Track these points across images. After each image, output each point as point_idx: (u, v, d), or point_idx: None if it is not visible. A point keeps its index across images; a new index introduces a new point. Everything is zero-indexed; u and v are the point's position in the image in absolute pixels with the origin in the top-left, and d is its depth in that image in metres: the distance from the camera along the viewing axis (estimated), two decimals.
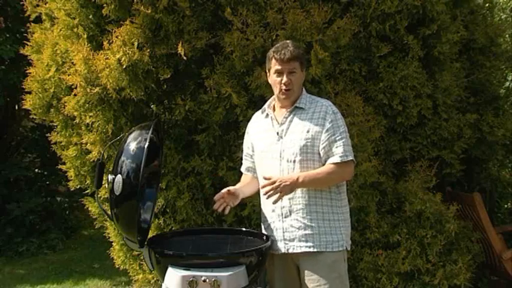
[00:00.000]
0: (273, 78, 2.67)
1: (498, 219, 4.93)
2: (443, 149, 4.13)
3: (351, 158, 2.61)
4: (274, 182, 2.49)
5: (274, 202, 2.55)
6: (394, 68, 3.84)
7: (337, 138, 2.59)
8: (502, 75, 4.88)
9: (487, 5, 4.83)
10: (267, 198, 2.54)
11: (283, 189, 2.49)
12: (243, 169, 2.93)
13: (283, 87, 2.63)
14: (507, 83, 5.13)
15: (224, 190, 2.69)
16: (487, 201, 4.53)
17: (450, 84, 4.06)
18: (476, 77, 4.42)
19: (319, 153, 2.60)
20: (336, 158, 2.57)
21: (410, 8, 3.79)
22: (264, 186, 2.52)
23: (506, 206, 5.34)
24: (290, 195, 2.60)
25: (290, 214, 2.62)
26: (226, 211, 2.67)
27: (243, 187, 2.83)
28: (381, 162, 3.82)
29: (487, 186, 4.65)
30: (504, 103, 4.67)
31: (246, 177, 2.91)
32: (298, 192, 2.60)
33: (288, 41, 2.74)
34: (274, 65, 2.65)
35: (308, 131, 2.60)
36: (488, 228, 4.11)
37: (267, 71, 2.74)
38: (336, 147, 2.58)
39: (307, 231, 2.60)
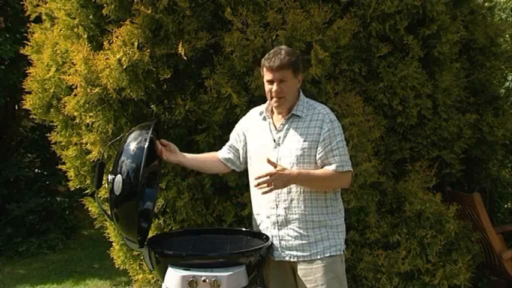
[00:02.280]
0: (265, 86, 2.66)
1: (498, 219, 4.93)
2: (443, 149, 4.13)
3: (347, 169, 2.59)
4: (272, 175, 2.47)
5: (263, 193, 2.52)
6: (394, 68, 3.84)
7: (333, 148, 2.57)
8: (502, 75, 4.88)
9: (486, 4, 4.83)
10: (258, 187, 2.51)
11: (277, 183, 2.48)
12: (221, 156, 2.88)
13: (274, 95, 2.60)
14: (507, 83, 5.14)
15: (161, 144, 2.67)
16: (487, 201, 4.53)
17: (450, 84, 4.06)
18: (476, 77, 4.42)
19: (315, 163, 2.58)
20: (332, 167, 2.56)
21: (410, 8, 3.79)
22: (259, 177, 2.49)
23: (506, 206, 5.34)
24: (286, 205, 2.59)
25: (286, 223, 2.61)
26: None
27: (197, 158, 2.84)
28: (380, 162, 3.82)
29: (487, 186, 4.65)
30: (504, 103, 4.66)
31: (213, 157, 2.88)
32: (294, 202, 2.59)
33: (282, 47, 2.68)
34: (265, 74, 2.63)
35: (305, 141, 2.58)
36: (488, 228, 4.11)
37: (263, 76, 2.72)
38: (333, 156, 2.56)
39: (303, 241, 2.59)
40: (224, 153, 2.90)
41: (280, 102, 2.62)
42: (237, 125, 2.91)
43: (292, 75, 2.60)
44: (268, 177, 2.47)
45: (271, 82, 2.60)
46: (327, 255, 2.59)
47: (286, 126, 2.65)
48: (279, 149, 2.63)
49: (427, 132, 4.05)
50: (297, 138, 2.60)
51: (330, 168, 2.56)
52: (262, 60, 2.66)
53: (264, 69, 2.63)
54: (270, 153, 2.63)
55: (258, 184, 2.50)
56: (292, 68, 2.59)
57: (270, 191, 2.51)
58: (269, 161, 2.51)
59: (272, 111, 2.74)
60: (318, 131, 2.58)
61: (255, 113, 2.84)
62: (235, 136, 2.87)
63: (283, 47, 2.71)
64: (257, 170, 2.68)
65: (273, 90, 2.59)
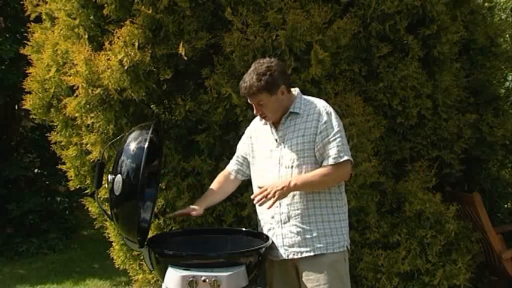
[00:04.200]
0: None
1: (498, 219, 4.92)
2: (443, 149, 4.13)
3: (346, 158, 2.57)
4: (265, 190, 2.53)
5: (269, 207, 2.56)
6: (394, 68, 3.84)
7: (330, 140, 2.57)
8: (502, 75, 4.87)
9: (486, 4, 4.83)
10: (259, 205, 2.59)
11: (275, 195, 2.51)
12: (231, 169, 2.93)
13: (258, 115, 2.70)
14: (507, 83, 5.13)
15: (185, 212, 2.79)
16: (487, 201, 4.52)
17: (450, 84, 4.06)
18: (476, 77, 4.42)
19: (315, 156, 2.59)
20: (329, 160, 2.56)
21: (410, 8, 3.80)
22: (255, 196, 2.55)
23: (506, 206, 5.33)
24: (288, 201, 2.60)
25: (289, 220, 2.62)
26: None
27: (214, 194, 2.88)
28: (380, 162, 3.82)
29: (487, 186, 4.64)
30: (504, 103, 4.66)
31: (221, 179, 2.93)
32: (296, 197, 2.60)
33: (251, 73, 2.62)
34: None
35: (304, 136, 2.60)
36: (488, 228, 4.11)
37: None
38: (330, 148, 2.56)
39: (306, 236, 2.59)
40: (233, 165, 2.93)
41: (266, 119, 2.71)
42: (243, 136, 2.94)
43: (267, 96, 2.61)
44: (263, 193, 2.53)
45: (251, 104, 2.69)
46: (329, 251, 2.59)
47: (286, 124, 2.67)
48: (281, 148, 2.64)
49: (427, 132, 4.05)
50: (296, 134, 2.62)
51: (327, 162, 2.56)
52: (240, 82, 2.69)
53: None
54: (273, 153, 2.66)
55: (258, 201, 2.55)
56: (265, 91, 2.59)
57: (273, 203, 2.54)
58: (259, 187, 2.60)
59: None
60: (315, 124, 2.60)
61: (257, 120, 2.87)
62: (244, 148, 2.89)
63: (256, 66, 2.64)
64: (260, 172, 2.71)
65: (254, 112, 2.69)
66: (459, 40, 4.14)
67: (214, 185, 2.93)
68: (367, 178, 3.65)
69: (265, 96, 2.60)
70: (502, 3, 6.28)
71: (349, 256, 2.76)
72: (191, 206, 2.83)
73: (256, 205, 2.76)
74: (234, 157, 2.95)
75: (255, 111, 2.68)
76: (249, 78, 2.62)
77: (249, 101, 2.68)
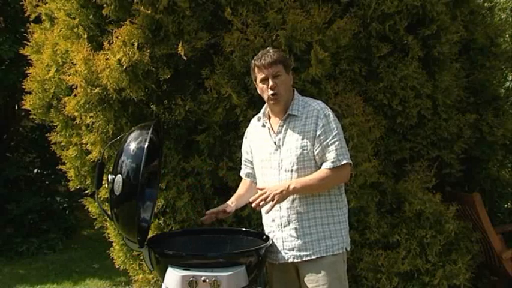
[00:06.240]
0: (260, 87, 2.65)
1: (498, 219, 4.92)
2: (443, 149, 4.13)
3: (345, 162, 2.57)
4: (264, 193, 2.51)
5: (267, 212, 2.56)
6: (394, 68, 3.84)
7: (329, 143, 2.56)
8: (502, 75, 4.88)
9: (486, 4, 4.83)
10: (258, 208, 2.56)
11: (275, 199, 2.49)
12: (242, 174, 2.94)
13: (270, 92, 2.59)
14: (507, 83, 5.14)
15: (221, 209, 2.76)
16: (487, 201, 4.52)
17: (450, 84, 4.06)
18: (476, 77, 4.42)
19: (315, 160, 2.59)
20: (328, 164, 2.55)
21: (410, 8, 3.80)
22: (254, 200, 2.53)
23: (506, 206, 5.33)
24: (288, 205, 2.59)
25: (289, 223, 2.61)
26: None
27: (242, 197, 2.86)
28: (380, 162, 3.82)
29: (487, 186, 4.64)
30: (504, 103, 4.66)
31: (245, 183, 2.92)
32: (296, 201, 2.59)
33: (268, 48, 2.75)
34: (258, 74, 2.63)
35: (303, 139, 2.58)
36: (488, 228, 4.11)
37: (254, 81, 2.72)
38: (329, 152, 2.55)
39: (306, 240, 2.59)
40: (243, 170, 2.93)
41: (276, 99, 2.61)
42: (244, 138, 2.92)
43: (284, 71, 2.62)
44: (262, 196, 2.51)
45: (265, 80, 2.61)
46: (329, 254, 2.59)
47: (284, 127, 2.65)
48: (280, 151, 2.63)
49: (427, 132, 4.05)
50: (295, 137, 2.61)
51: (326, 165, 2.56)
52: (252, 62, 2.67)
53: (256, 69, 2.64)
54: (272, 157, 2.64)
55: (257, 204, 2.52)
56: (283, 64, 2.62)
57: (272, 206, 2.52)
58: (259, 189, 2.58)
59: (269, 116, 2.74)
60: (314, 127, 2.58)
61: (254, 121, 2.85)
62: (246, 149, 2.88)
63: (269, 47, 2.78)
64: (260, 176, 2.71)
65: (269, 86, 2.59)
66: (459, 40, 4.14)
67: (241, 187, 2.94)
68: (367, 178, 3.65)
69: (281, 70, 2.60)
70: (502, 3, 6.29)
71: (348, 256, 2.76)
72: (223, 205, 2.81)
73: (262, 211, 2.76)
74: (243, 161, 2.94)
75: (269, 84, 2.58)
76: (265, 51, 2.65)
77: (263, 74, 2.59)
